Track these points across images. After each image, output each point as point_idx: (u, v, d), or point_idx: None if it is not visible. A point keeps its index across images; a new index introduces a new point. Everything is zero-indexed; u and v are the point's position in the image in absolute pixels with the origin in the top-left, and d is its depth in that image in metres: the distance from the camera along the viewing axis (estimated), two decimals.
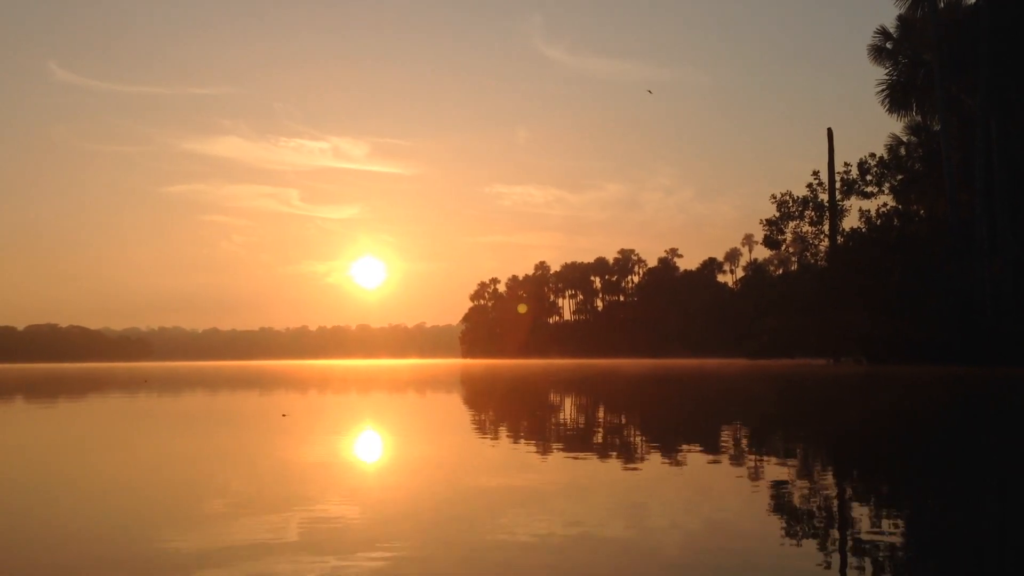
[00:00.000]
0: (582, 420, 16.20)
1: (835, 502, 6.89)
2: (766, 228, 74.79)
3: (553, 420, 15.96)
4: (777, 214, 73.90)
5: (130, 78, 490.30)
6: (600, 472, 8.43)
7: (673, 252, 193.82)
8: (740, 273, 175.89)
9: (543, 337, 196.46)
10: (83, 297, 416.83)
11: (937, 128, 59.51)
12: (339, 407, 20.02)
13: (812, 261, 75.50)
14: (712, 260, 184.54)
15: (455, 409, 19.91)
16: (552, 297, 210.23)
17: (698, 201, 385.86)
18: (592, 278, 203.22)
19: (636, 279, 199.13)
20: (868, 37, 64.75)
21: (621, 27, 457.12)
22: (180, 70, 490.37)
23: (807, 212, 72.94)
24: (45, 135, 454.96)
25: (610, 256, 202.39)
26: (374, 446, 11.23)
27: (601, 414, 17.85)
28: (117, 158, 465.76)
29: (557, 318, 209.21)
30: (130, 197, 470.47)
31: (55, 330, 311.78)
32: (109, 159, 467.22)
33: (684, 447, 10.58)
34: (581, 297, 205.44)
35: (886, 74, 62.79)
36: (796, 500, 6.83)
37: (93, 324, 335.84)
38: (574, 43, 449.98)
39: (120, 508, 6.62)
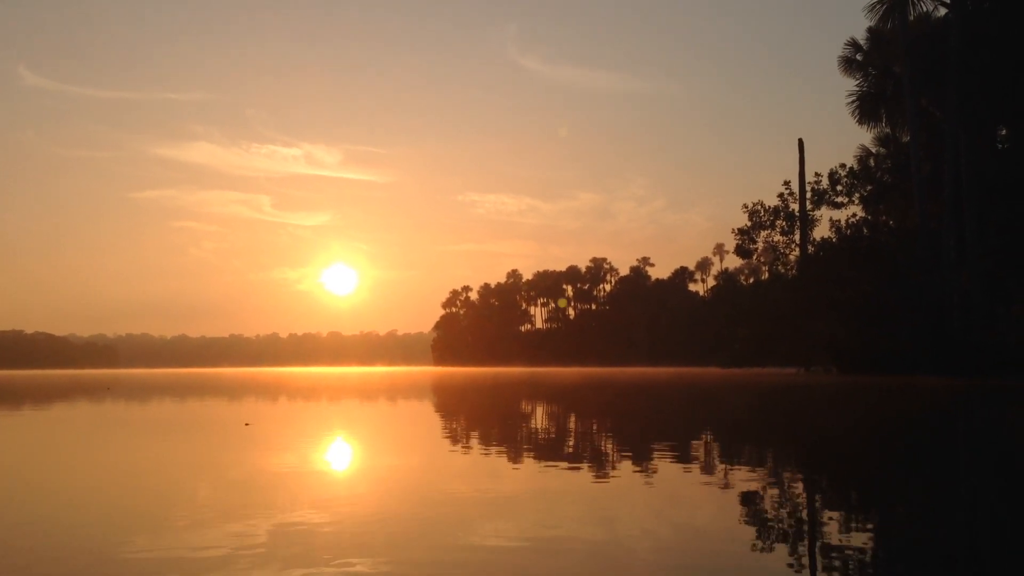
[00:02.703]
0: (553, 428, 16.12)
1: (805, 509, 6.91)
2: (738, 237, 75.34)
3: (524, 428, 15.88)
4: (749, 223, 74.45)
5: (101, 83, 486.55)
6: (571, 480, 8.38)
7: (645, 261, 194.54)
8: (711, 282, 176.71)
9: (515, 345, 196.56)
10: (49, 303, 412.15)
11: (906, 139, 60.02)
12: (305, 416, 19.83)
13: (783, 271, 76.08)
14: (683, 269, 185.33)
15: (425, 417, 19.78)
16: (524, 305, 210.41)
17: (670, 211, 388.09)
18: (564, 286, 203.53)
19: (608, 288, 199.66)
20: (839, 49, 65.37)
21: (595, 38, 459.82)
22: (152, 75, 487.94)
23: (778, 222, 73.58)
24: (14, 140, 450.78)
25: (582, 265, 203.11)
26: (343, 455, 11.11)
27: (572, 422, 17.78)
28: (87, 163, 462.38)
29: (529, 326, 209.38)
30: (100, 202, 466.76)
31: (20, 336, 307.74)
32: (79, 164, 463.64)
33: (655, 455, 10.56)
34: (553, 305, 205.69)
35: (856, 85, 63.28)
36: (767, 507, 6.82)
37: (59, 330, 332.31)
38: (548, 53, 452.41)
39: (85, 516, 6.53)
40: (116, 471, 9.24)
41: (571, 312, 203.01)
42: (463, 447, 11.86)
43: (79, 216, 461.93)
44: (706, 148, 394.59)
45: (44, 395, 32.57)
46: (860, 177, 68.66)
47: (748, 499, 7.17)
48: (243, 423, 16.46)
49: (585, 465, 9.62)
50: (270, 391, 36.12)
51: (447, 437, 13.67)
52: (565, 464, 9.65)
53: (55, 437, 13.93)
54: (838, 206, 70.67)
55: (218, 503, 6.98)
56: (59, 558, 5.09)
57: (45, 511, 6.71)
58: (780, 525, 6.09)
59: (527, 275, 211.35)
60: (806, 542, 5.57)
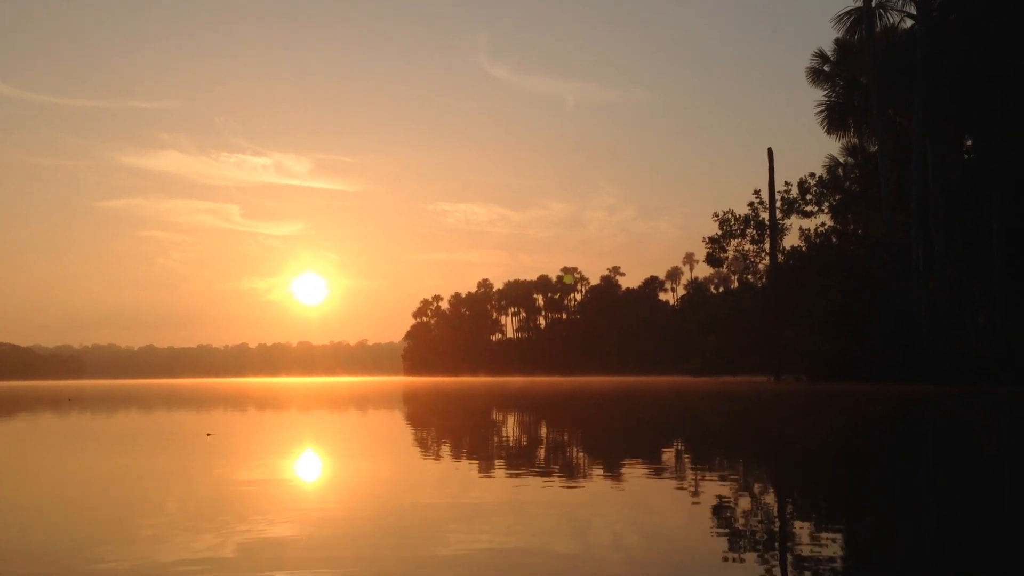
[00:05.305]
0: (524, 438, 16.07)
1: (775, 518, 6.90)
2: (709, 246, 75.62)
3: (495, 438, 15.81)
4: (719, 232, 74.75)
5: (68, 91, 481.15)
6: (543, 489, 8.33)
7: (615, 270, 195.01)
8: (681, 291, 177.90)
9: (486, 355, 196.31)
10: (14, 313, 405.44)
11: (873, 149, 60.60)
12: (270, 426, 19.66)
13: (753, 280, 76.52)
14: (654, 278, 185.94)
15: (396, 427, 19.66)
16: (495, 315, 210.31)
17: (640, 220, 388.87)
18: (535, 296, 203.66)
19: (579, 297, 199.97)
20: (807, 59, 65.72)
21: (565, 47, 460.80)
22: (120, 83, 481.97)
23: (749, 230, 73.90)
24: None
25: (553, 274, 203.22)
26: (312, 465, 10.99)
27: (543, 432, 17.73)
28: (54, 171, 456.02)
29: (500, 335, 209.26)
30: (67, 211, 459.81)
31: None
32: (45, 172, 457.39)
33: (626, 465, 10.54)
34: (524, 315, 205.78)
35: (824, 96, 63.79)
36: (737, 516, 6.80)
37: (24, 341, 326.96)
38: (519, 62, 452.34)
39: (53, 527, 6.43)
40: (76, 483, 9.10)
41: (542, 321, 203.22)
42: (434, 457, 11.78)
43: (45, 225, 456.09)
44: (676, 157, 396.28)
45: (5, 406, 32.11)
46: (829, 186, 69.17)
47: (719, 508, 7.16)
48: (205, 433, 16.27)
49: (556, 475, 9.58)
50: (237, 402, 35.81)
51: (418, 447, 13.58)
52: (536, 474, 9.60)
53: (16, 449, 13.70)
54: (808, 215, 71.16)
55: (183, 515, 6.88)
56: (30, 568, 4.99)
57: (6, 524, 6.60)
58: (751, 534, 6.09)
59: (498, 284, 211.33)
60: (777, 551, 5.57)
